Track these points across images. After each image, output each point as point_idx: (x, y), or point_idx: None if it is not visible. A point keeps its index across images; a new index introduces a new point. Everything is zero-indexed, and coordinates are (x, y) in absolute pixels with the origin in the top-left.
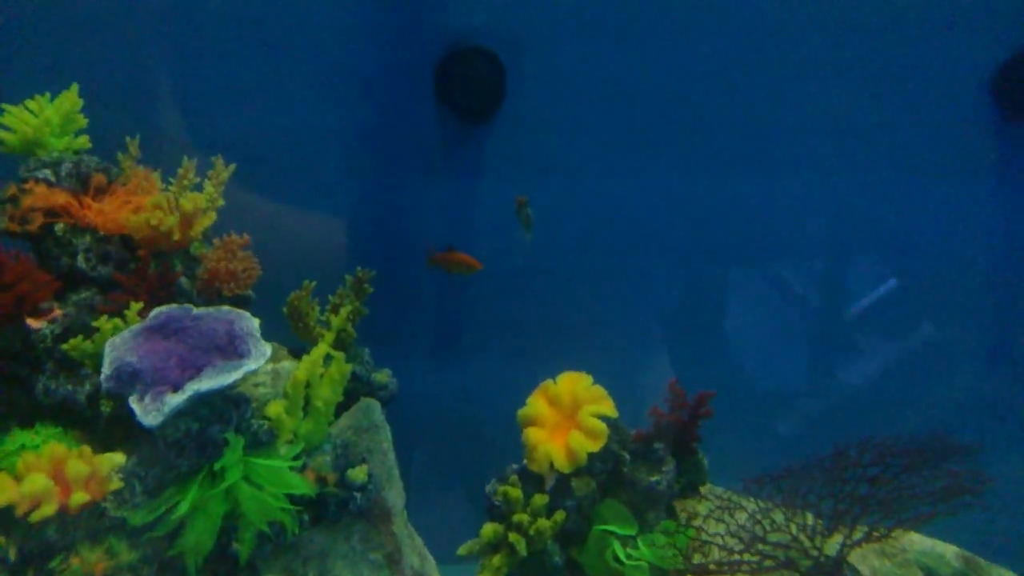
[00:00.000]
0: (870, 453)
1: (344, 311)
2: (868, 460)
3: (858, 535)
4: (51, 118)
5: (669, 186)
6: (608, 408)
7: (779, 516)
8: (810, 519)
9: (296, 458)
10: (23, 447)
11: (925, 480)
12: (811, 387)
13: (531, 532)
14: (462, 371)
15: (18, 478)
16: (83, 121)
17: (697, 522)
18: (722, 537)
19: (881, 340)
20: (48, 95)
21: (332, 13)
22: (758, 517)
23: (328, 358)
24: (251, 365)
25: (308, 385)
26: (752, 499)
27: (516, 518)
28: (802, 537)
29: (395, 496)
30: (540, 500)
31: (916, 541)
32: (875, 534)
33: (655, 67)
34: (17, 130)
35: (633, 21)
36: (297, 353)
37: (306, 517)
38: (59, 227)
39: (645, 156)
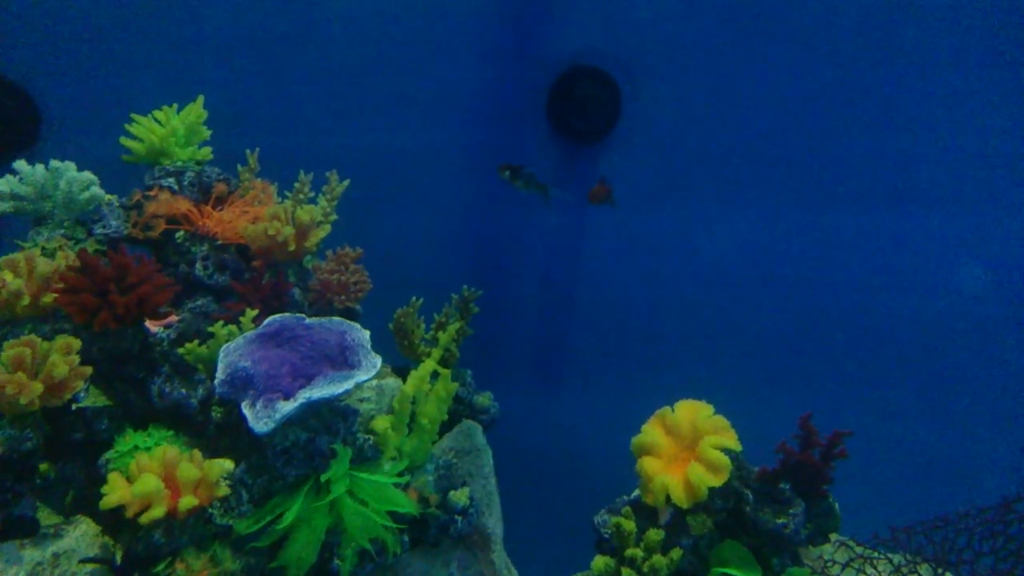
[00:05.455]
0: None
1: (452, 328)
2: None
3: None
4: (177, 128)
5: (788, 218)
6: (731, 440)
7: (926, 571)
8: None
9: (400, 475)
10: (136, 448)
11: None
12: (935, 432)
13: (644, 568)
14: (563, 399)
15: (130, 479)
16: (206, 133)
17: (834, 571)
18: None
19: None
20: (175, 106)
21: (448, 35)
22: (904, 570)
23: (434, 375)
24: (362, 376)
25: (413, 402)
26: (885, 550)
27: (629, 552)
28: None
29: (495, 523)
30: (655, 535)
31: None
32: None
33: (776, 93)
34: (144, 139)
35: (753, 45)
36: (400, 371)
37: (406, 538)
38: (179, 235)
39: (763, 186)
